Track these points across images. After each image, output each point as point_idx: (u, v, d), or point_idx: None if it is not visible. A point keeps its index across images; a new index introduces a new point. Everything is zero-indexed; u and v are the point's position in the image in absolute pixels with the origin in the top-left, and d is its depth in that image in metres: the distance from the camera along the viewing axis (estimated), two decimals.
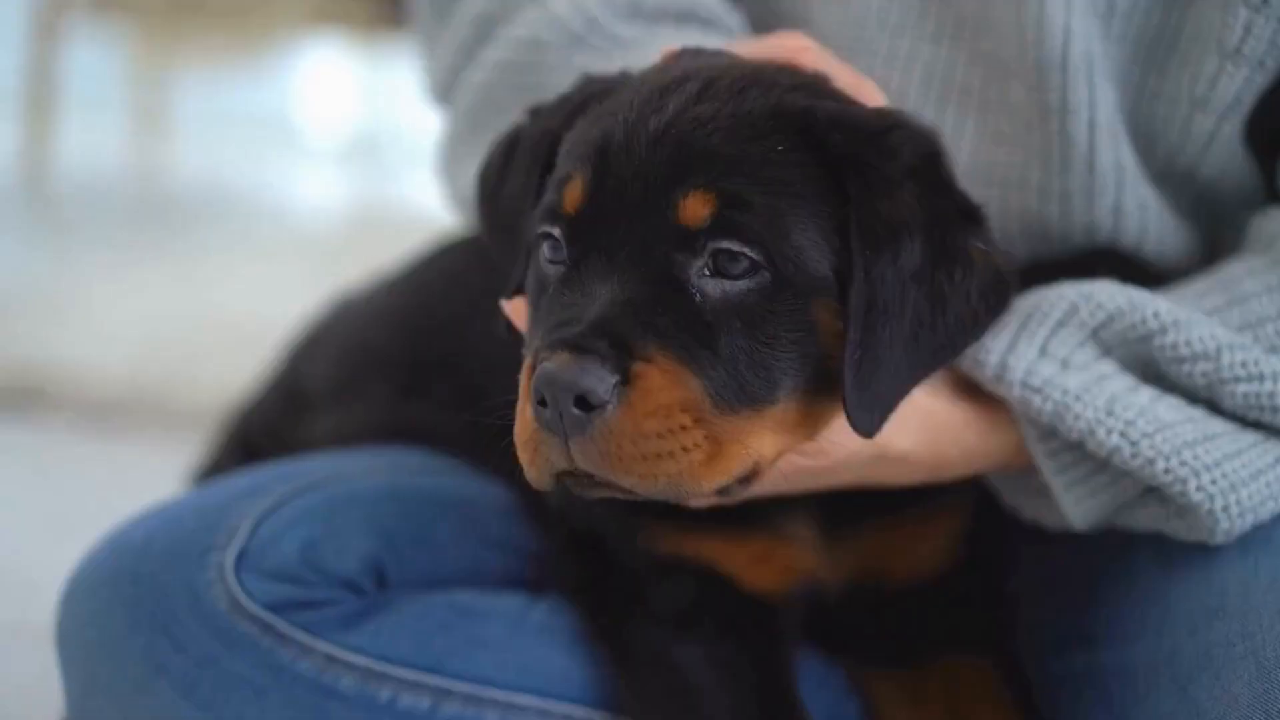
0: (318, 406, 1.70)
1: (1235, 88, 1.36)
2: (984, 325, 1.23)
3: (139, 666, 1.33)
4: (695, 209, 1.13)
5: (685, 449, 1.10)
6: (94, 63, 6.29)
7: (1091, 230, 1.42)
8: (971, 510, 1.43)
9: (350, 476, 1.44)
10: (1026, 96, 1.39)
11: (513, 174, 1.29)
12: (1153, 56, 1.39)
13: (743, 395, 1.12)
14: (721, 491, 1.15)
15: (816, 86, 1.24)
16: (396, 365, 1.63)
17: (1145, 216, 1.41)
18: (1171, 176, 1.43)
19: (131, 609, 1.34)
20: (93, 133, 6.20)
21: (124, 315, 3.91)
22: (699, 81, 1.19)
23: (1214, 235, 1.47)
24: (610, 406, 1.08)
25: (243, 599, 1.32)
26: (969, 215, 1.23)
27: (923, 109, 1.43)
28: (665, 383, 1.09)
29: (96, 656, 1.35)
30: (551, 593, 1.41)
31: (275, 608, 1.33)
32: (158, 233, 5.11)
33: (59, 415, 3.27)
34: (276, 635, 1.32)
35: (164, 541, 1.37)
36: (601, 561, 1.37)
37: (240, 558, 1.34)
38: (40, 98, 5.78)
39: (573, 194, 1.17)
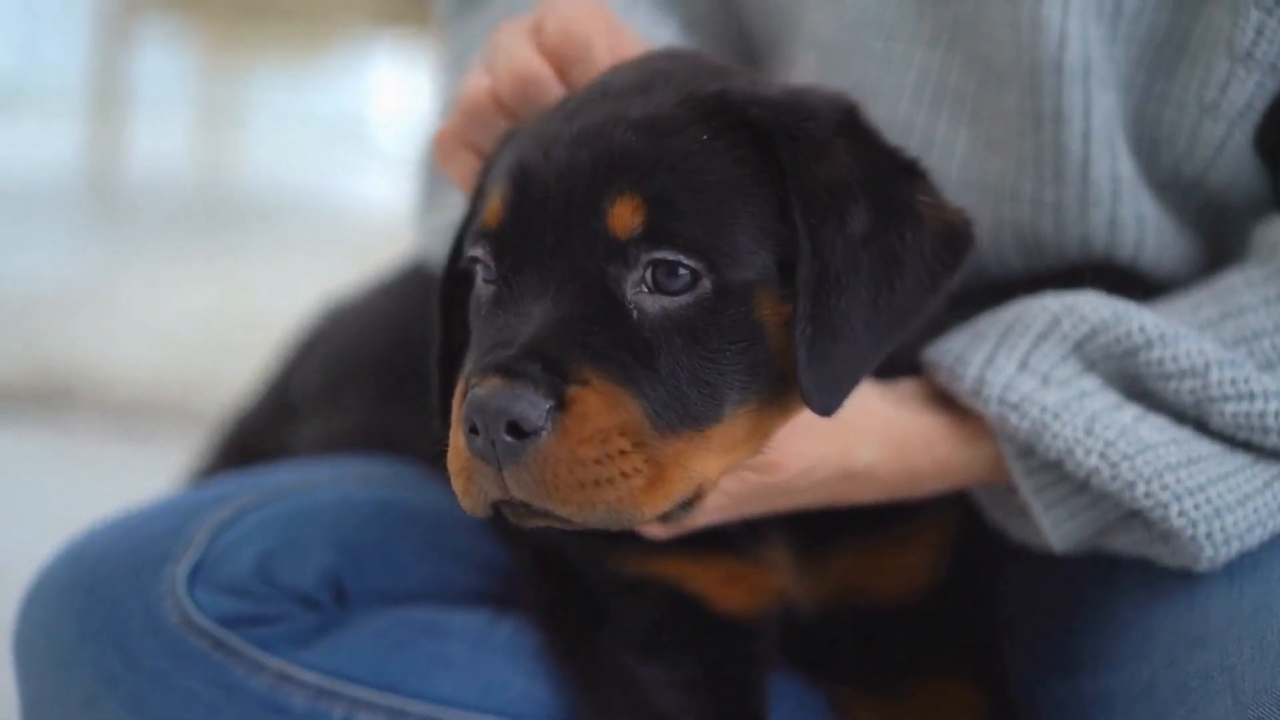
0: (304, 413, 1.69)
1: (1246, 93, 1.30)
2: (944, 283, 1.17)
3: (89, 679, 1.31)
4: (623, 217, 1.09)
5: (625, 475, 1.06)
6: (163, 63, 6.38)
7: (1086, 243, 1.37)
8: (954, 529, 1.39)
9: (314, 488, 1.41)
10: (1019, 103, 1.34)
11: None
12: (1160, 60, 1.34)
13: (685, 415, 1.08)
14: (665, 518, 1.11)
15: (718, 69, 1.21)
16: (379, 373, 1.62)
17: (1143, 229, 1.37)
18: (1177, 185, 1.37)
19: (82, 620, 1.32)
20: (161, 133, 6.28)
21: (169, 317, 3.92)
22: (597, 89, 1.17)
23: (1220, 246, 1.41)
24: (545, 433, 1.04)
25: (194, 613, 1.30)
26: (908, 169, 1.19)
27: (915, 115, 1.40)
28: (602, 406, 1.06)
29: (47, 668, 1.33)
30: (518, 609, 1.38)
31: (228, 622, 1.30)
32: (218, 233, 5.15)
33: (86, 416, 3.28)
34: (228, 651, 1.30)
35: (120, 551, 1.35)
36: (567, 580, 1.34)
37: (195, 570, 1.32)
38: (109, 97, 5.86)
39: (493, 209, 1.14)
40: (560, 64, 1.26)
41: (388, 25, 6.08)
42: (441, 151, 1.29)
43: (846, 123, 1.17)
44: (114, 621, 1.31)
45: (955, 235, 1.17)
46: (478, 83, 1.28)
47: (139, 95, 5.99)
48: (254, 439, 1.76)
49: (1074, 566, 1.35)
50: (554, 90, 1.24)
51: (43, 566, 1.38)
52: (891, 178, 1.16)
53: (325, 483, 1.43)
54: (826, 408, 1.12)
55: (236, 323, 3.86)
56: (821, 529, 1.33)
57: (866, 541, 1.36)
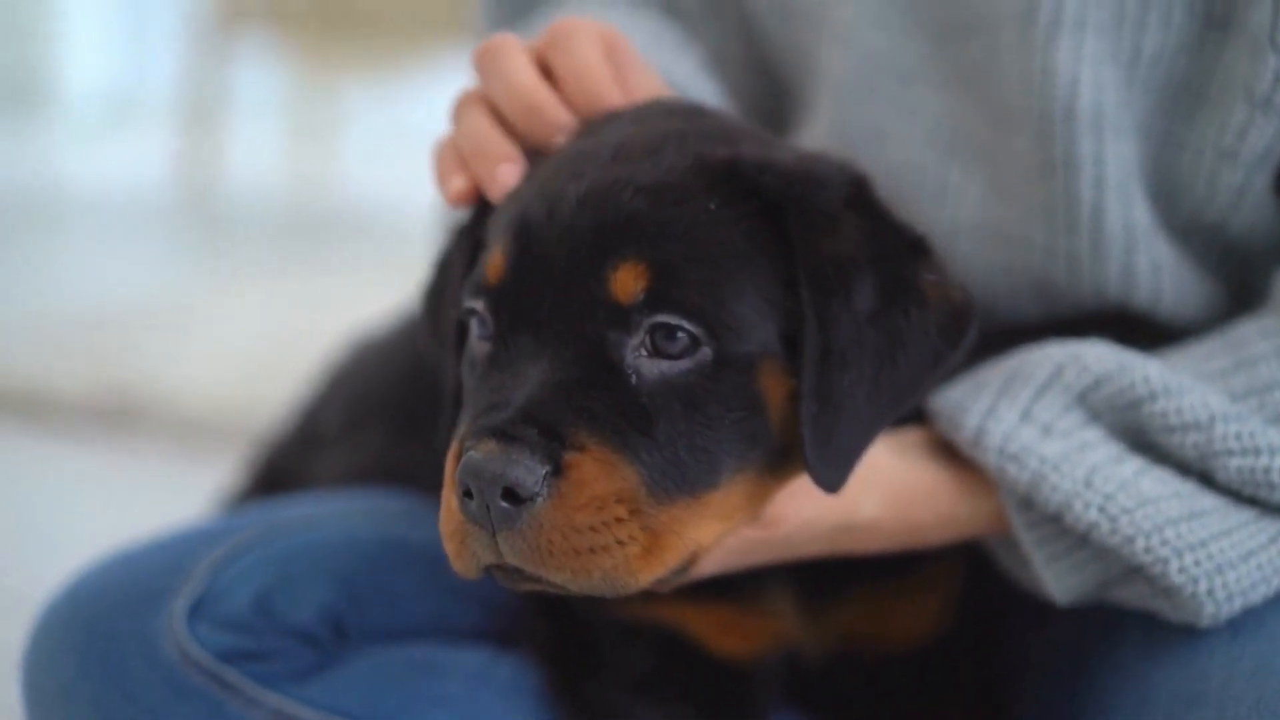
0: (328, 444, 1.70)
1: (1265, 139, 1.28)
2: (946, 362, 1.18)
3: (88, 713, 1.32)
4: (626, 283, 1.09)
5: (621, 542, 1.06)
6: (258, 76, 6.48)
7: (1100, 291, 1.35)
8: (962, 577, 1.38)
9: (318, 524, 1.41)
10: (1031, 150, 1.33)
11: (451, 279, 1.27)
12: (1178, 105, 1.32)
13: (682, 482, 1.08)
14: (659, 583, 1.11)
15: (729, 132, 1.21)
16: (396, 408, 1.63)
17: (1159, 277, 1.34)
18: (1197, 231, 1.35)
19: (82, 654, 1.33)
20: (255, 146, 6.31)
21: (248, 335, 3.89)
22: (610, 145, 1.15)
23: (1243, 293, 1.39)
24: (540, 499, 1.04)
25: (192, 648, 1.30)
26: (916, 246, 1.18)
27: (929, 160, 1.39)
28: (599, 473, 1.05)
29: (50, 701, 1.34)
30: (519, 647, 1.38)
31: (226, 658, 1.31)
32: (308, 249, 5.15)
33: (153, 435, 3.28)
34: (226, 686, 1.30)
35: (120, 586, 1.36)
36: (564, 619, 1.34)
37: (195, 605, 1.32)
38: (204, 111, 5.95)
39: (495, 265, 1.13)
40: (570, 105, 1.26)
41: None
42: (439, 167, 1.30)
43: (856, 196, 1.17)
44: (113, 656, 1.32)
45: (958, 314, 1.17)
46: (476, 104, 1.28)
47: (234, 109, 6.09)
48: (281, 467, 1.78)
49: (1081, 618, 1.33)
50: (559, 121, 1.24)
51: (47, 600, 1.39)
52: (899, 255, 1.16)
53: (330, 519, 1.43)
54: (833, 485, 1.12)
55: (317, 342, 3.84)
56: (826, 577, 1.32)
57: (872, 590, 1.35)
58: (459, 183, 1.25)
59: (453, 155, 1.28)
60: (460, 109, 1.29)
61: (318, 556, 1.38)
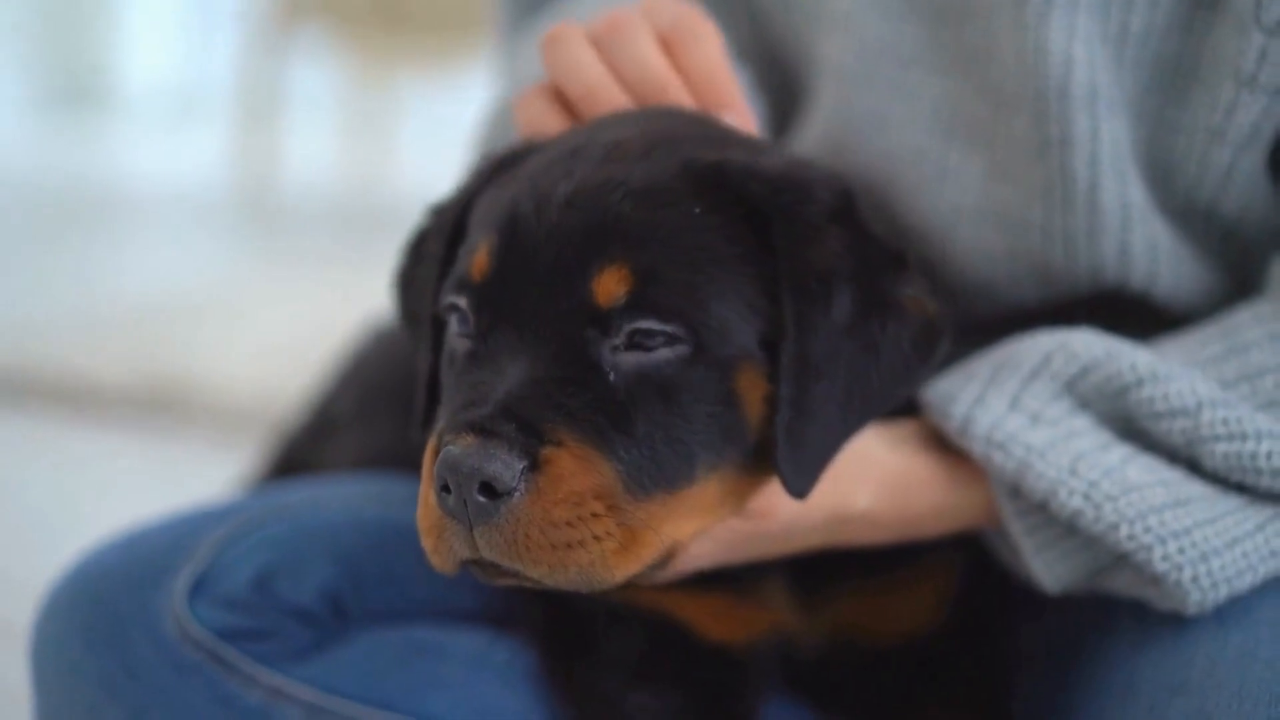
0: (341, 430, 1.72)
1: (1252, 118, 1.27)
2: (917, 375, 1.18)
3: (93, 690, 1.33)
4: (609, 286, 1.09)
5: (597, 538, 1.06)
6: (315, 72, 6.54)
7: (1097, 271, 1.34)
8: (959, 569, 1.38)
9: (322, 506, 1.42)
10: (1028, 130, 1.32)
11: (425, 259, 1.27)
12: (1170, 85, 1.31)
13: (659, 477, 1.08)
14: (635, 578, 1.11)
15: (724, 137, 1.21)
16: (408, 396, 1.66)
17: (1155, 258, 1.33)
18: (1192, 213, 1.34)
19: (88, 632, 1.34)
20: (311, 142, 6.36)
21: (297, 328, 3.90)
22: (605, 144, 1.15)
23: (1243, 277, 1.37)
24: (518, 494, 1.04)
25: (192, 626, 1.32)
26: (897, 261, 1.18)
27: (928, 144, 1.38)
28: (576, 468, 1.05)
29: (57, 679, 1.36)
30: (517, 630, 1.38)
31: (226, 636, 1.32)
32: (362, 244, 5.13)
33: (198, 426, 3.30)
34: (224, 664, 1.31)
35: (125, 565, 1.37)
36: (558, 605, 1.34)
37: (197, 584, 1.33)
38: (260, 107, 5.99)
39: (480, 261, 1.13)
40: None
41: None
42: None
43: (841, 208, 1.17)
44: (117, 634, 1.34)
45: (932, 329, 1.18)
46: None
47: (290, 105, 6.14)
48: (296, 452, 1.79)
49: (1075, 609, 1.33)
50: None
51: (54, 579, 1.41)
52: (879, 268, 1.17)
53: (335, 501, 1.43)
54: (800, 491, 1.13)
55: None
56: (821, 570, 1.32)
57: (866, 583, 1.35)
58: (564, 126, 1.26)
59: (552, 97, 1.28)
60: (559, 43, 1.28)
61: (321, 537, 1.39)
